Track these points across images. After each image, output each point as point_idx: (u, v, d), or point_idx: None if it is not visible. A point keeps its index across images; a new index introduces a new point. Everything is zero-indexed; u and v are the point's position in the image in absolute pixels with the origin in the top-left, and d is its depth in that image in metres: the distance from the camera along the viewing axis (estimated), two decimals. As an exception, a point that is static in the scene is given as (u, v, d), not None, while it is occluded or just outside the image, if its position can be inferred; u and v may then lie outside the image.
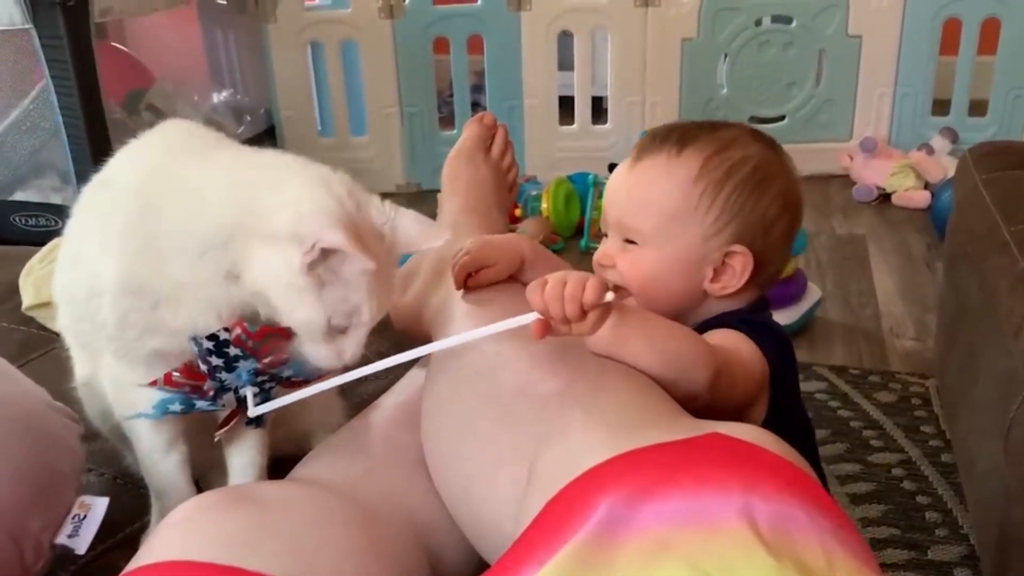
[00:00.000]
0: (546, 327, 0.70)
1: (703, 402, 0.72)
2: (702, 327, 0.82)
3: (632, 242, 0.85)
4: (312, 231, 0.69)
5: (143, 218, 0.75)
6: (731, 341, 0.78)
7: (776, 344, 0.81)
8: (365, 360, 0.77)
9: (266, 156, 0.79)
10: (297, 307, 0.72)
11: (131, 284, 0.76)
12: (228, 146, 0.82)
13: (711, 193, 0.82)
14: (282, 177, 0.74)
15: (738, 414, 0.76)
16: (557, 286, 0.68)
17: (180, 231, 0.73)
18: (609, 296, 0.68)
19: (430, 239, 0.78)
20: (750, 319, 0.82)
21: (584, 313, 0.68)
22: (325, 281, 0.71)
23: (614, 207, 0.86)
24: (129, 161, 0.82)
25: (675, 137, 0.85)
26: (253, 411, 0.79)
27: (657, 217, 0.83)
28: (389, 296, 0.77)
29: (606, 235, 0.88)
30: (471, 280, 0.87)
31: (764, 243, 0.83)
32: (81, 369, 0.89)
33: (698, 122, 0.89)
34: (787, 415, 0.82)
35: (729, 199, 0.82)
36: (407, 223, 0.77)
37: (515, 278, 0.89)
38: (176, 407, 0.79)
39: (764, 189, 0.83)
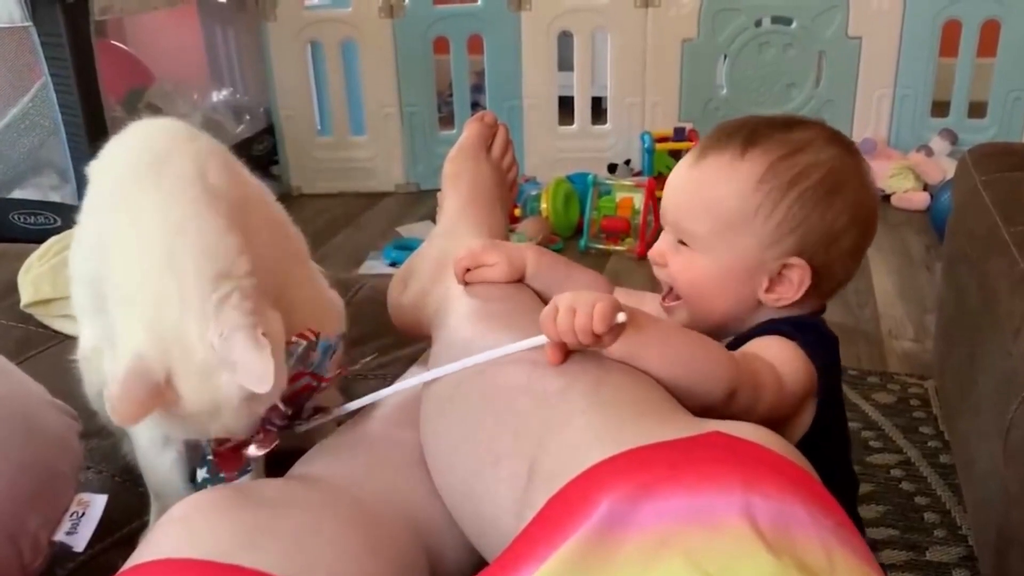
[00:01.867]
0: (562, 352, 0.70)
1: (718, 415, 0.70)
2: (752, 332, 0.79)
3: (686, 243, 0.81)
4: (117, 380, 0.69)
5: (96, 234, 0.79)
6: (773, 352, 0.75)
7: (828, 351, 0.78)
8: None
9: (153, 245, 0.72)
10: None
11: (84, 276, 0.80)
12: (166, 209, 0.75)
13: (773, 200, 0.77)
14: (137, 291, 0.71)
15: (775, 425, 0.72)
16: (567, 318, 0.67)
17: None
18: (620, 318, 0.67)
19: (255, 383, 0.70)
20: (802, 322, 0.79)
21: (598, 337, 0.67)
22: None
23: (671, 206, 0.82)
24: (107, 162, 0.82)
25: (743, 135, 0.80)
26: (300, 428, 0.83)
27: (713, 221, 0.79)
28: (233, 428, 0.74)
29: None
30: (467, 275, 0.87)
31: (826, 256, 0.79)
32: (86, 340, 0.89)
33: (774, 119, 0.83)
34: (832, 423, 0.79)
35: (792, 208, 0.77)
36: (240, 357, 0.70)
37: (520, 281, 0.89)
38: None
39: (832, 200, 0.78)
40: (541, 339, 0.71)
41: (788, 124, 0.81)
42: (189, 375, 0.69)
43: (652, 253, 0.84)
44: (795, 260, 0.78)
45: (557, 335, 0.68)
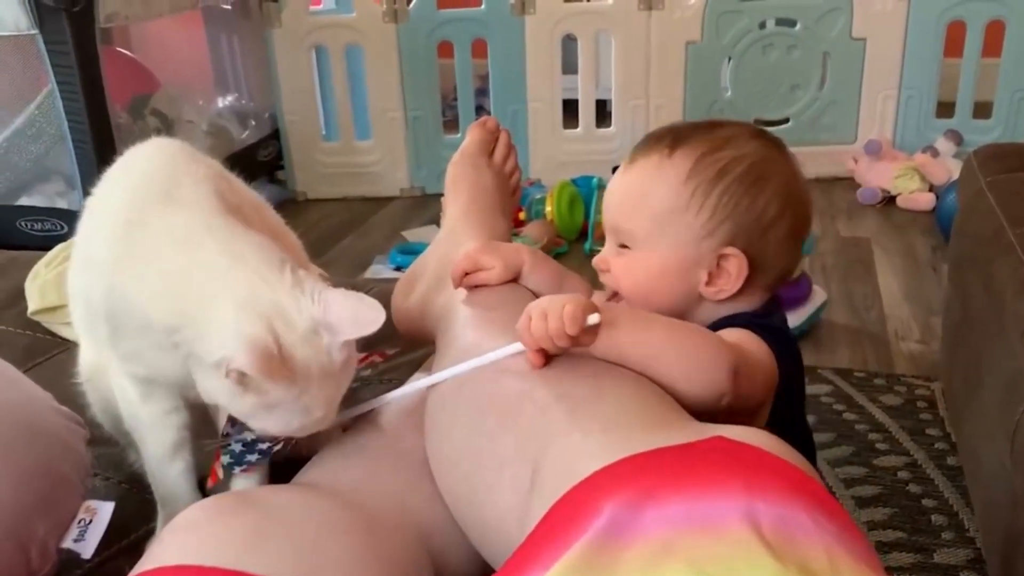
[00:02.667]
0: (543, 357, 0.71)
1: (728, 401, 0.70)
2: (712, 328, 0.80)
3: (626, 246, 0.84)
4: (228, 356, 0.70)
5: (115, 261, 0.78)
6: (740, 338, 0.76)
7: (786, 349, 0.79)
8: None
9: (207, 251, 0.74)
10: (230, 406, 0.75)
11: (83, 296, 0.80)
12: (184, 224, 0.77)
13: (702, 193, 0.80)
14: (212, 292, 0.73)
15: (747, 419, 0.74)
16: (540, 324, 0.69)
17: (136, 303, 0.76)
18: (593, 319, 0.68)
19: (364, 327, 0.74)
20: (758, 322, 0.80)
21: (574, 339, 0.68)
22: (255, 394, 0.72)
23: (608, 211, 0.86)
24: (117, 187, 0.82)
25: (669, 138, 0.84)
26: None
27: (647, 219, 0.82)
28: (328, 402, 0.75)
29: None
30: (465, 280, 0.88)
31: (761, 245, 0.81)
32: (86, 355, 0.90)
33: (698, 122, 0.87)
34: (789, 425, 0.79)
35: (721, 199, 0.80)
36: (338, 312, 0.73)
37: (518, 283, 0.89)
38: (252, 456, 0.81)
39: (760, 189, 0.81)
40: (519, 345, 0.72)
41: (712, 125, 0.86)
42: (295, 343, 0.72)
43: (596, 260, 0.87)
44: (730, 250, 0.80)
45: (534, 342, 0.70)
